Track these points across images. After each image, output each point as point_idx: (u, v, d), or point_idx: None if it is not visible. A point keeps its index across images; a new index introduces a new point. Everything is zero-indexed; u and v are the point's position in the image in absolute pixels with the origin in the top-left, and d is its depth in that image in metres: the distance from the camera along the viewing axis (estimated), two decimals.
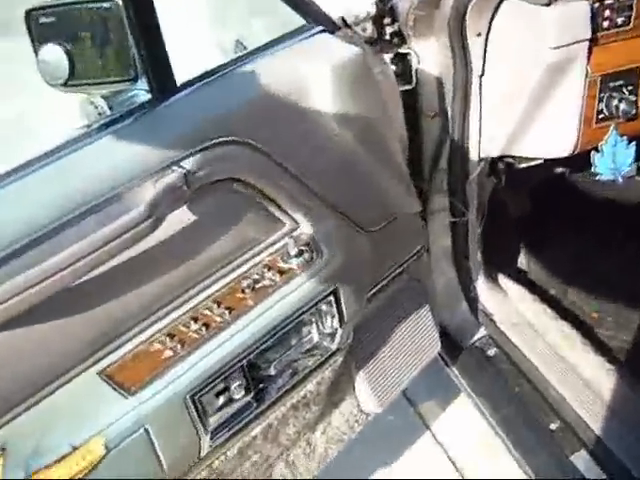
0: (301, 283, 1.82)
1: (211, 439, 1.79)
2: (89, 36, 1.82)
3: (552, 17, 1.96)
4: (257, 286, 1.80)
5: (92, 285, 1.60)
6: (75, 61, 1.77)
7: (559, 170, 2.67)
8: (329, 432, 2.26)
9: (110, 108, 1.98)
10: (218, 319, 1.74)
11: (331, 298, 1.89)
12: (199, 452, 1.79)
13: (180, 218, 1.71)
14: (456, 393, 2.93)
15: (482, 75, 2.15)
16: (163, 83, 1.73)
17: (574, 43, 1.99)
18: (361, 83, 1.91)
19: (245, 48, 3.92)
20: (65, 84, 1.79)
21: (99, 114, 1.97)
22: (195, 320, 1.74)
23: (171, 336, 1.71)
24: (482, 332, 2.66)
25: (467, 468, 2.82)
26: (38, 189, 1.58)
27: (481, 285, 2.62)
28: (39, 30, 1.81)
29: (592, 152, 2.18)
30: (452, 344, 2.60)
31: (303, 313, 1.84)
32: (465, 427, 2.88)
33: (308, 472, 2.23)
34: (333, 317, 1.94)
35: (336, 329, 1.95)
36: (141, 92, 1.83)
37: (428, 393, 2.97)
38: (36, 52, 1.79)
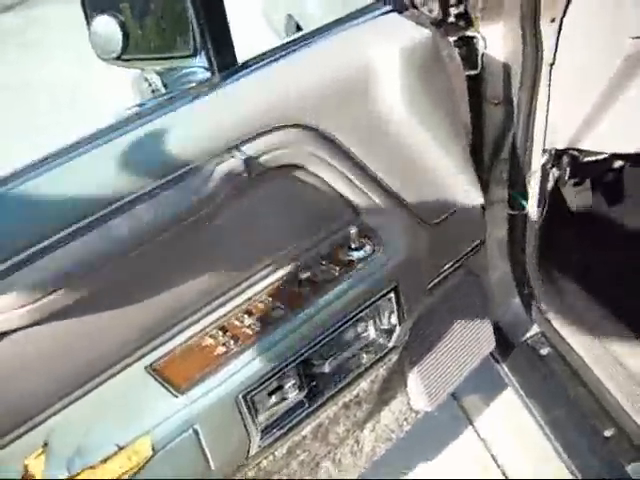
0: (361, 278, 1.68)
1: (261, 439, 1.67)
2: (145, 7, 1.70)
3: (635, 4, 1.80)
4: (315, 279, 1.67)
5: (142, 275, 1.48)
6: (129, 34, 1.66)
7: (619, 162, 2.52)
8: (378, 430, 2.14)
9: (164, 85, 1.84)
10: (274, 314, 1.61)
11: (391, 294, 1.76)
12: (248, 452, 1.67)
13: (237, 205, 1.58)
14: (501, 388, 2.80)
15: (553, 64, 1.99)
16: (224, 61, 1.61)
17: None
18: (430, 67, 1.79)
19: (297, 24, 3.82)
20: (118, 58, 1.68)
21: (153, 91, 1.84)
22: (249, 314, 1.61)
23: (224, 330, 1.58)
24: (535, 329, 2.52)
25: (510, 466, 2.70)
26: (88, 173, 1.46)
27: (536, 281, 2.46)
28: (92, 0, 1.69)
29: None
30: (503, 340, 2.45)
31: (362, 310, 1.71)
32: (510, 425, 2.76)
33: (354, 470, 2.12)
34: (392, 313, 1.80)
35: (394, 326, 1.81)
36: (199, 69, 1.70)
37: (473, 387, 2.82)
38: (89, 23, 1.67)
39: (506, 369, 2.50)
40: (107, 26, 1.67)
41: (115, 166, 1.46)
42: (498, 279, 2.44)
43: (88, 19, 1.69)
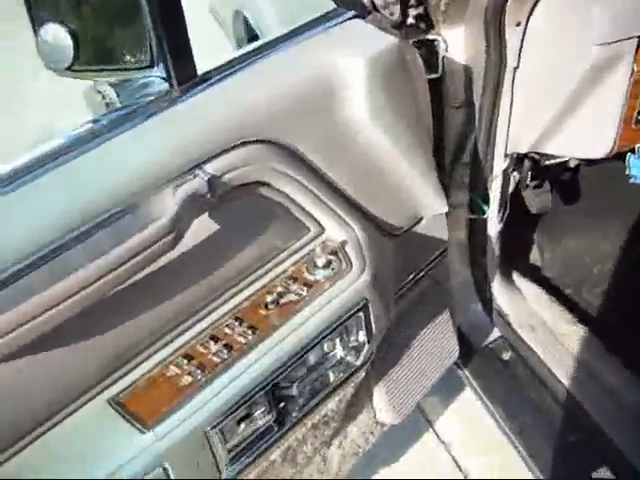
0: (330, 299, 1.59)
1: (230, 469, 1.56)
2: (98, 15, 1.57)
3: (602, 11, 1.73)
4: (282, 301, 1.57)
5: (100, 304, 1.36)
6: (81, 43, 1.53)
7: (575, 162, 2.46)
8: (345, 446, 2.05)
9: (118, 96, 1.72)
10: (241, 340, 1.50)
11: (360, 312, 1.66)
12: None
13: (198, 226, 1.47)
14: (460, 390, 2.74)
15: (517, 67, 1.92)
16: (183, 72, 1.49)
17: (623, 40, 1.77)
18: (395, 74, 1.71)
19: (245, 19, 3.70)
20: (69, 69, 1.54)
21: (107, 104, 1.71)
22: (215, 340, 1.50)
23: (189, 358, 1.47)
24: (496, 334, 2.45)
25: (472, 469, 2.63)
26: (39, 199, 1.34)
27: (497, 284, 2.40)
28: (40, 6, 1.56)
29: (628, 154, 1.97)
30: (464, 345, 2.37)
31: (331, 331, 1.61)
32: (470, 427, 2.70)
33: None
34: (360, 331, 1.71)
35: (363, 343, 1.72)
36: (155, 80, 1.58)
37: (432, 389, 2.75)
38: (36, 32, 1.54)
39: (468, 374, 2.44)
40: (56, 34, 1.54)
41: (67, 192, 1.34)
42: (458, 284, 2.37)
43: (35, 26, 1.56)
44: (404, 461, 2.66)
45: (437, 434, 2.74)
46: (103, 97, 1.71)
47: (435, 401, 2.79)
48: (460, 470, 2.63)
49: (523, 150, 2.09)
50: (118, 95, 1.71)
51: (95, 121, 1.52)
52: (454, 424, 2.75)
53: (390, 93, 1.69)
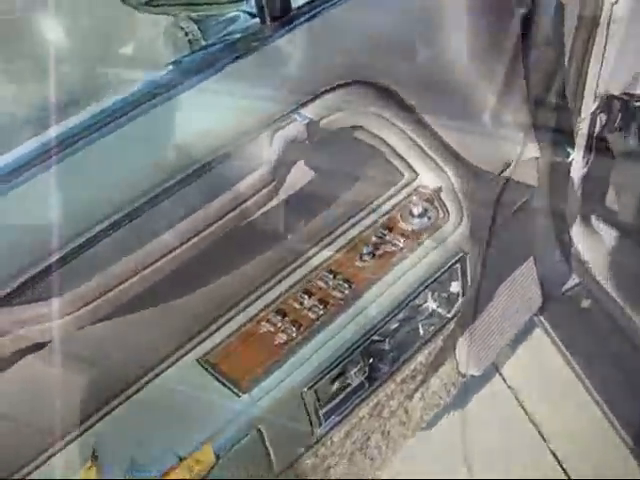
0: (427, 251, 1.45)
1: (322, 427, 1.45)
2: None
3: None
4: (378, 252, 1.43)
5: (193, 258, 1.24)
6: None
7: None
8: (426, 398, 1.94)
9: (201, 32, 1.56)
10: (336, 294, 1.38)
11: (457, 265, 1.53)
12: (308, 442, 1.46)
13: (292, 175, 1.34)
14: (527, 335, 2.60)
15: (615, 3, 1.74)
16: (277, 7, 1.32)
17: None
18: (495, 10, 1.53)
19: None
20: (147, 3, 1.39)
21: (189, 42, 1.55)
22: (309, 294, 1.37)
23: (282, 314, 1.34)
24: (575, 280, 2.30)
25: (540, 415, 2.50)
26: (128, 148, 1.20)
27: (576, 230, 2.25)
28: None
29: None
30: (543, 292, 2.22)
31: (428, 286, 1.48)
32: (538, 373, 2.56)
33: (403, 439, 1.91)
34: (454, 282, 1.57)
35: (457, 295, 1.59)
36: (241, 15, 1.42)
37: None
38: None
39: (544, 321, 2.30)
40: None
41: (157, 140, 1.20)
42: (538, 229, 2.22)
43: None
44: (471, 406, 2.54)
45: (504, 379, 2.61)
46: (186, 34, 1.56)
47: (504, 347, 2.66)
48: (527, 414, 2.50)
49: (615, 91, 1.93)
50: (202, 32, 1.55)
51: (179, 62, 1.37)
52: (521, 370, 2.61)
53: (489, 28, 1.54)
